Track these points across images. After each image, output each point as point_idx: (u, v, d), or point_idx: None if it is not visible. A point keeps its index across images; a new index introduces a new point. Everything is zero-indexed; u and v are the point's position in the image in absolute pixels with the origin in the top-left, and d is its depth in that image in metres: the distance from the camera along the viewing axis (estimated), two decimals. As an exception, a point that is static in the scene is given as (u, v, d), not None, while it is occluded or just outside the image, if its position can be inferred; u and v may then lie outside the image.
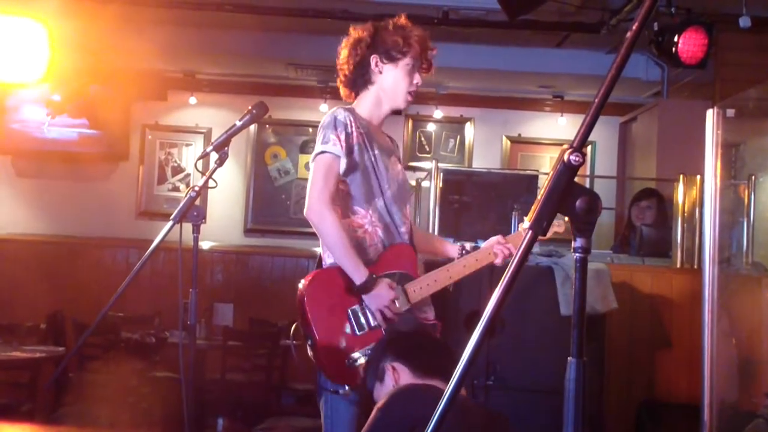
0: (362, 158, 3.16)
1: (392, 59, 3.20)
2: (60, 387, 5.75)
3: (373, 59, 3.21)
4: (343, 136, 3.11)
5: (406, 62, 3.21)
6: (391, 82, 3.22)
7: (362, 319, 3.07)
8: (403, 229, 3.23)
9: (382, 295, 3.05)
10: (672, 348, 5.39)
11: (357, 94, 3.29)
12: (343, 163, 3.11)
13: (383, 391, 2.54)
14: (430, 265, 4.59)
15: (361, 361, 3.00)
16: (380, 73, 3.22)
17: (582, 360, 1.38)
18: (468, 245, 3.36)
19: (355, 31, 3.26)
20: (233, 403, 6.39)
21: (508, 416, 2.61)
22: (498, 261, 3.24)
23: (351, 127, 3.14)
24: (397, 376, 2.51)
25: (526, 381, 4.61)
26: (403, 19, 3.27)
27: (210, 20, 6.91)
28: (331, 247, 3.11)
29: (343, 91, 3.33)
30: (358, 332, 3.06)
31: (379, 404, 2.40)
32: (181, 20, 7.00)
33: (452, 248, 3.42)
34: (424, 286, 3.17)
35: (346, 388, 3.05)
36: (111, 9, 6.33)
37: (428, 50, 3.25)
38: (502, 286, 1.35)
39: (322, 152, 3.11)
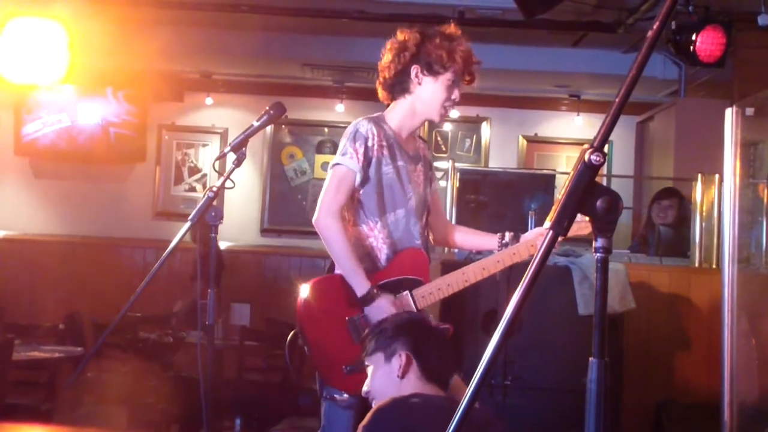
0: (379, 172, 3.17)
1: (433, 72, 3.17)
2: (78, 387, 5.78)
3: (414, 70, 3.18)
4: (361, 150, 3.13)
5: (447, 77, 3.17)
6: (428, 95, 3.20)
7: (361, 329, 3.06)
8: (419, 242, 3.22)
9: (382, 309, 3.04)
10: (690, 348, 5.37)
11: (393, 99, 3.28)
12: (358, 177, 3.14)
13: (385, 369, 2.60)
14: (446, 264, 4.59)
15: (357, 370, 3.02)
16: (419, 84, 3.20)
17: (604, 360, 1.38)
18: (507, 236, 3.28)
19: (402, 35, 3.23)
20: (250, 403, 6.40)
21: (504, 420, 2.68)
22: None
23: (372, 139, 3.15)
24: (406, 369, 2.56)
25: (544, 380, 4.60)
26: (452, 28, 3.24)
27: (226, 21, 6.92)
28: (335, 257, 3.14)
29: (380, 94, 3.31)
30: (357, 341, 3.05)
31: (364, 422, 2.47)
32: (197, 21, 7.01)
33: (491, 240, 3.36)
34: (434, 291, 3.14)
35: (345, 395, 3.07)
36: (127, 11, 6.36)
37: (472, 64, 3.22)
38: (522, 288, 1.34)
39: (339, 164, 3.15)
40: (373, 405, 2.62)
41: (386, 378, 2.59)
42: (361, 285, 3.06)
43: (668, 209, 6.28)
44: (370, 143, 3.14)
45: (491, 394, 4.49)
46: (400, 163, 3.20)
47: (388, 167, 3.18)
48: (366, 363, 2.66)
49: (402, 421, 2.42)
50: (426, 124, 8.50)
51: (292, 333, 3.20)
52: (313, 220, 3.14)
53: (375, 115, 3.27)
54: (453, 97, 3.21)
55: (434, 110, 3.22)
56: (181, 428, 5.93)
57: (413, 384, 2.55)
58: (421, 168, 3.30)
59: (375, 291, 3.06)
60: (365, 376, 3.03)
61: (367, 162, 3.14)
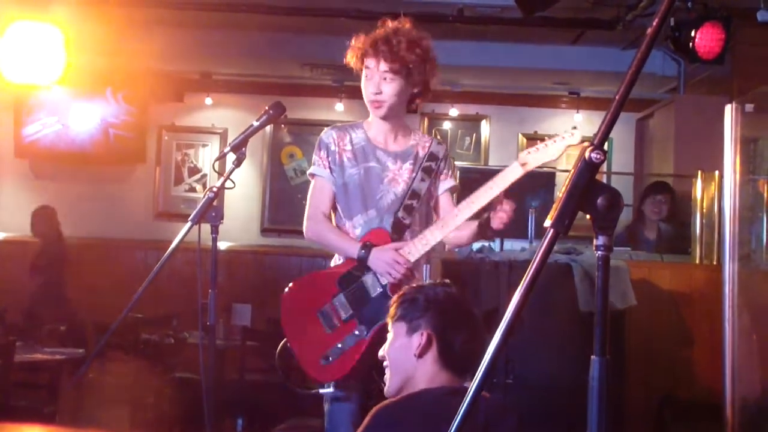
0: (343, 175, 3.25)
1: (359, 68, 3.23)
2: (80, 389, 5.78)
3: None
4: (324, 155, 3.27)
5: (364, 71, 3.21)
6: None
7: (332, 317, 3.14)
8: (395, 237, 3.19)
9: (382, 256, 3.09)
10: (692, 344, 5.37)
11: None
12: (331, 181, 3.25)
13: (404, 342, 2.45)
14: (447, 264, 4.59)
15: (334, 357, 3.09)
16: None
17: (605, 358, 1.38)
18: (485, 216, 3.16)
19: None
20: (252, 404, 6.40)
21: (516, 408, 2.55)
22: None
23: (335, 144, 3.26)
24: (425, 350, 2.41)
25: (545, 379, 4.60)
26: (383, 22, 3.21)
27: (225, 21, 6.92)
28: (330, 248, 3.27)
29: None
30: (329, 331, 3.13)
31: (361, 428, 2.37)
32: (196, 22, 7.01)
33: (469, 227, 3.21)
34: (414, 248, 3.11)
35: (330, 387, 3.11)
36: (126, 12, 6.35)
37: (366, 58, 3.17)
38: (523, 286, 1.34)
39: (312, 174, 3.30)
40: (385, 372, 2.50)
41: (403, 351, 2.45)
42: (353, 247, 3.14)
43: (662, 204, 6.31)
44: (332, 148, 3.26)
45: (493, 393, 4.48)
46: (369, 164, 3.25)
47: (353, 169, 3.24)
48: (388, 328, 2.52)
49: (398, 426, 2.35)
50: (425, 121, 8.55)
51: (282, 343, 3.22)
52: (305, 236, 3.28)
53: (355, 121, 3.36)
54: (370, 90, 3.19)
55: (368, 105, 3.26)
56: (182, 429, 5.93)
57: (428, 366, 2.42)
58: (409, 166, 3.27)
59: (368, 245, 3.12)
60: (342, 363, 3.06)
61: (333, 166, 3.25)
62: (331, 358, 3.10)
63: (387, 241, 3.16)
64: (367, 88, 3.20)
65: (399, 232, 3.18)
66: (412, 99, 3.30)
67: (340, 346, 3.09)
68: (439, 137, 8.57)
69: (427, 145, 3.33)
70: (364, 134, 3.29)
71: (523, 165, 2.93)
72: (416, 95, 3.29)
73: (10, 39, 5.20)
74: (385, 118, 3.26)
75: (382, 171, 3.24)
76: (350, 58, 3.21)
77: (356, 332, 3.10)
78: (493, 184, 3.03)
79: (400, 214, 3.20)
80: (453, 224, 3.07)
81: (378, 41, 3.15)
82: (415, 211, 3.23)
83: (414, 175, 3.26)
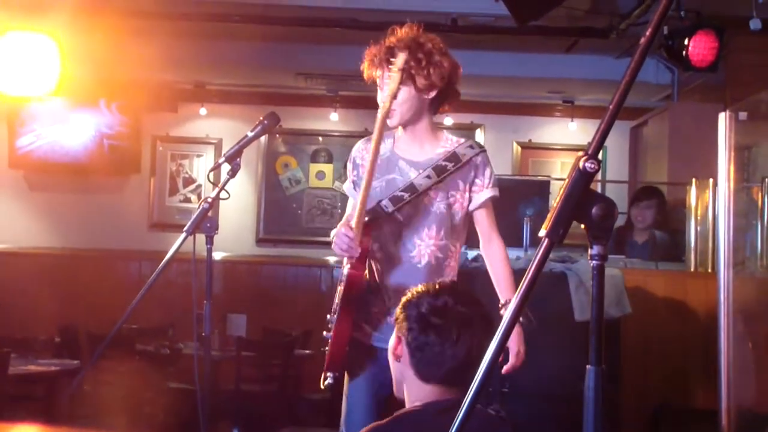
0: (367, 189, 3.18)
1: (373, 77, 3.20)
2: (76, 400, 5.76)
3: None
4: (351, 168, 3.28)
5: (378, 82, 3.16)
6: None
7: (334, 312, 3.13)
8: (413, 253, 3.11)
9: (336, 233, 3.02)
10: (687, 352, 5.37)
11: None
12: (354, 195, 3.22)
13: (393, 344, 2.37)
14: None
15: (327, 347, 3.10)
16: None
17: (601, 368, 1.38)
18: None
19: None
20: (248, 414, 6.39)
21: (508, 419, 2.50)
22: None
23: (360, 158, 3.23)
24: (402, 356, 2.33)
25: (541, 387, 4.59)
26: (389, 34, 3.15)
27: (219, 31, 6.93)
28: None
29: None
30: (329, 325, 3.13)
31: None
32: (190, 32, 7.02)
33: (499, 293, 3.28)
34: (355, 224, 3.00)
35: (330, 380, 3.08)
36: (120, 22, 6.36)
37: (380, 67, 3.11)
38: (518, 296, 1.34)
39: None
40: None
41: (392, 353, 2.37)
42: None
43: (647, 210, 6.22)
44: (358, 161, 3.24)
45: (489, 402, 4.48)
46: (391, 176, 3.15)
47: (376, 182, 3.10)
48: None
49: None
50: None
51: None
52: None
53: (389, 132, 3.25)
54: (379, 98, 3.10)
55: None
56: (178, 440, 5.91)
57: (411, 374, 2.32)
58: (432, 174, 3.13)
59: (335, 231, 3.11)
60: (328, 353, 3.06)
61: (357, 179, 3.21)
62: (328, 349, 3.10)
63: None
64: (379, 98, 3.10)
65: (375, 218, 3.08)
66: (433, 105, 3.17)
67: (329, 337, 3.09)
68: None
69: (449, 155, 3.15)
70: (391, 145, 3.21)
71: (383, 107, 2.98)
72: (437, 100, 3.17)
73: (3, 50, 5.19)
74: (403, 127, 3.17)
75: (403, 183, 3.13)
76: (364, 70, 3.17)
77: (332, 321, 3.09)
78: (374, 135, 3.00)
79: (384, 202, 3.10)
80: (368, 185, 2.97)
81: (382, 50, 3.10)
82: (404, 204, 3.10)
83: (436, 197, 3.13)
